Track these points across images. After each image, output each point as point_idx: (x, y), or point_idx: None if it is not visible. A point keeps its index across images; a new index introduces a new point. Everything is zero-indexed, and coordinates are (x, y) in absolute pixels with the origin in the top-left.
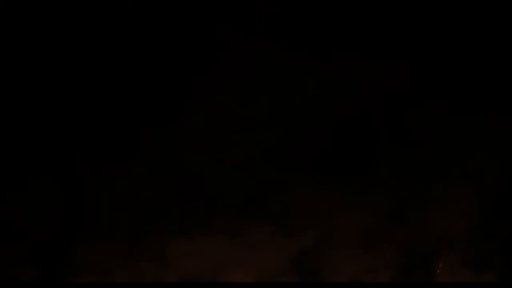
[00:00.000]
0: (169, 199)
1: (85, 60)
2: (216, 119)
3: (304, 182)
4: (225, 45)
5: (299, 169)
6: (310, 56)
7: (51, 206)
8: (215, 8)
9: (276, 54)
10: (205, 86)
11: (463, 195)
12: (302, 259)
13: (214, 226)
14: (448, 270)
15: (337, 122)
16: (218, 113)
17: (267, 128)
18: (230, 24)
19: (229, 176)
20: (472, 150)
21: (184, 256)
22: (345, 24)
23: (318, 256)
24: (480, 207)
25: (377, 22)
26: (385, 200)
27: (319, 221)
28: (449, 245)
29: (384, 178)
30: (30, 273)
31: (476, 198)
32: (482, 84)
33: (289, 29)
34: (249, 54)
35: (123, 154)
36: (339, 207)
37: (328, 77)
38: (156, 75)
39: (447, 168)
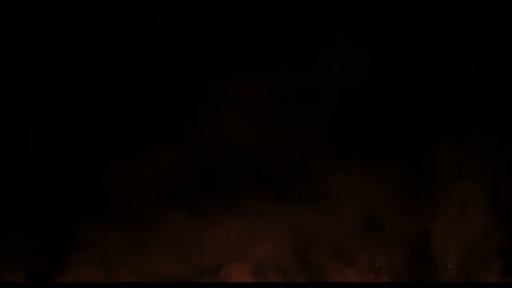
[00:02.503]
0: (189, 183)
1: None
2: (236, 102)
3: (324, 165)
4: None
5: (319, 153)
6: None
7: (66, 193)
8: None
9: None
10: (224, 67)
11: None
12: (319, 243)
13: (234, 209)
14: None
15: (356, 104)
16: (238, 96)
17: (286, 110)
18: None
19: (247, 159)
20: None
21: (202, 240)
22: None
23: (336, 239)
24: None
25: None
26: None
27: (339, 203)
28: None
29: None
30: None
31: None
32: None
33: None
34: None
35: (141, 140)
36: (357, 189)
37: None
38: (172, 57)
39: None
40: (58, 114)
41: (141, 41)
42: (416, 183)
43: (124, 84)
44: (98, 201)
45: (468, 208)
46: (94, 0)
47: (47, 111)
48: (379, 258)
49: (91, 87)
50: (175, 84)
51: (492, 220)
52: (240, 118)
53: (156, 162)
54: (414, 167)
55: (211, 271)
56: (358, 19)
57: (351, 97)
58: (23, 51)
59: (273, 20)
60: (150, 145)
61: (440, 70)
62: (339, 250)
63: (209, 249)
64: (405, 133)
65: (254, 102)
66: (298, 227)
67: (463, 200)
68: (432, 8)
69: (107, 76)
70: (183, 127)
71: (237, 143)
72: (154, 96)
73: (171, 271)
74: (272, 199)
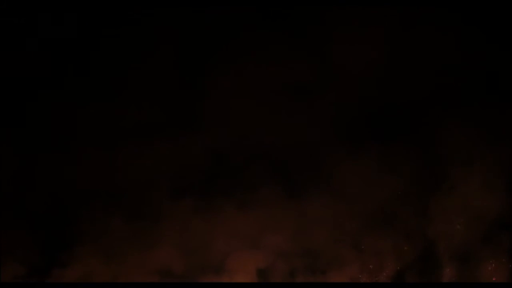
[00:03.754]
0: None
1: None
2: (247, 91)
3: (337, 155)
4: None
5: (332, 143)
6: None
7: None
8: None
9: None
10: (236, 56)
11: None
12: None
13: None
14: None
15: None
16: (250, 85)
17: (300, 99)
18: None
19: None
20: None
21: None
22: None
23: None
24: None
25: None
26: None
27: (352, 193)
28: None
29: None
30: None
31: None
32: None
33: None
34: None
35: (148, 130)
36: (370, 180)
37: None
38: (183, 45)
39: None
40: (59, 105)
41: (150, 30)
42: (431, 172)
43: (131, 74)
44: (104, 194)
45: (482, 195)
46: None
47: (49, 103)
48: (392, 248)
49: (95, 77)
50: (186, 73)
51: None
52: (252, 108)
53: (164, 152)
54: (428, 156)
55: (221, 262)
56: (373, 13)
57: (365, 86)
58: (23, 37)
59: (289, 10)
60: (158, 136)
61: (454, 60)
62: (352, 240)
63: (218, 241)
64: (419, 123)
65: (267, 92)
66: (310, 218)
67: (476, 186)
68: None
69: (111, 66)
70: (192, 117)
71: (248, 133)
72: (163, 86)
73: (180, 262)
74: (284, 189)
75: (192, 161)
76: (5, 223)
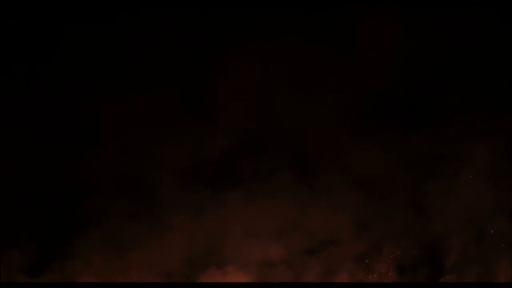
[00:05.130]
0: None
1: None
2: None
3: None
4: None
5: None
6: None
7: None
8: None
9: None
10: (251, 45)
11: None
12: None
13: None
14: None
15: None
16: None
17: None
18: None
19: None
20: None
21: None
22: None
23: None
24: None
25: None
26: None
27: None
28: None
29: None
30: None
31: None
32: None
33: None
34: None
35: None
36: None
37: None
38: (197, 33)
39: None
40: (61, 94)
41: (159, 21)
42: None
43: (144, 61)
44: (109, 183)
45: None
46: None
47: (50, 92)
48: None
49: (105, 67)
50: (198, 63)
51: None
52: (266, 98)
53: (174, 144)
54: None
55: (231, 256)
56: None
57: (379, 75)
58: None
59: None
60: (168, 126)
61: (469, 47)
62: (366, 231)
63: (229, 232)
64: (433, 112)
65: (280, 81)
66: (323, 207)
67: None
68: None
69: (122, 54)
70: (205, 107)
71: (262, 122)
72: (172, 76)
73: (192, 252)
74: (298, 179)
75: (203, 152)
76: (6, 219)
